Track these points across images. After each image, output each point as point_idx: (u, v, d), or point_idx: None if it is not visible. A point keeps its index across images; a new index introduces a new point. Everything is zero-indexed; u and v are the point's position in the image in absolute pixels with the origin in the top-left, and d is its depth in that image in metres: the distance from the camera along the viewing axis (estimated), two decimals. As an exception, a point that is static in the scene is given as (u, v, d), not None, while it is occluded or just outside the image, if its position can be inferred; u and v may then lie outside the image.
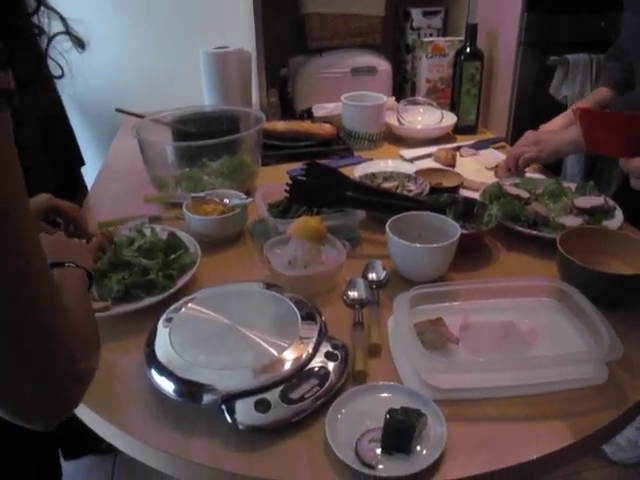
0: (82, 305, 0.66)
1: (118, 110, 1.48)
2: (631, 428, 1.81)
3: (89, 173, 1.72)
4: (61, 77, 0.67)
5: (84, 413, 0.81)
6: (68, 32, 0.62)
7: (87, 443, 1.86)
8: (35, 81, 0.55)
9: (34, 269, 0.49)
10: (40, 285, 0.50)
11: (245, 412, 0.74)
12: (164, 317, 0.90)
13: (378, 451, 0.71)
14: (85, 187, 1.74)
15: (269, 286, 0.98)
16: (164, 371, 0.80)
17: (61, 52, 0.63)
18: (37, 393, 0.50)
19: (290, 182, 1.16)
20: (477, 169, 1.55)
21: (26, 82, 0.51)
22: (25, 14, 0.53)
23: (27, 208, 0.49)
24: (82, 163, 1.81)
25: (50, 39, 0.59)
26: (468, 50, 1.74)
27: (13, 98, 0.47)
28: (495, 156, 1.61)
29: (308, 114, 1.83)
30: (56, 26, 0.58)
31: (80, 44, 0.65)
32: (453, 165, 1.55)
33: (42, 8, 0.55)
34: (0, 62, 0.45)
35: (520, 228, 1.18)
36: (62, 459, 1.78)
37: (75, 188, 1.73)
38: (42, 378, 0.50)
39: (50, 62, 0.62)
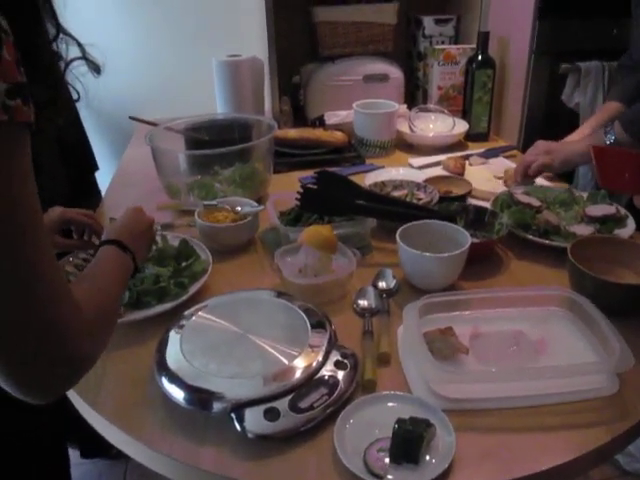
0: (109, 294, 0.70)
1: (132, 118, 1.49)
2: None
3: (102, 180, 1.74)
4: (77, 101, 0.69)
5: (94, 419, 0.82)
6: (85, 57, 0.64)
7: (102, 444, 1.88)
8: (54, 104, 0.57)
9: (45, 278, 0.52)
10: (50, 289, 0.52)
11: (254, 421, 0.75)
12: (175, 325, 0.91)
13: (387, 461, 0.71)
14: (99, 192, 1.76)
15: (279, 294, 0.98)
16: (174, 378, 0.80)
17: (77, 76, 0.65)
18: (35, 365, 0.52)
19: (301, 190, 1.16)
20: (486, 178, 1.54)
21: (44, 105, 0.53)
22: (45, 42, 0.55)
23: (40, 221, 0.52)
24: (96, 168, 1.83)
25: (67, 64, 0.61)
26: (480, 58, 1.74)
27: (32, 127, 0.51)
28: (505, 165, 1.61)
29: (320, 122, 1.84)
30: (73, 51, 0.60)
31: (96, 69, 0.67)
32: (462, 174, 1.55)
33: (60, 35, 0.57)
34: (24, 95, 0.48)
35: (531, 237, 1.17)
36: (79, 457, 1.81)
37: (90, 192, 1.75)
38: (42, 356, 0.52)
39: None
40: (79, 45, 0.60)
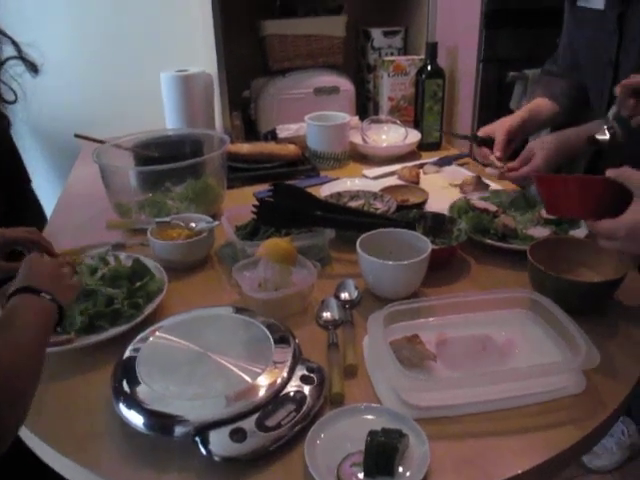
0: (29, 347, 0.63)
1: (77, 136, 1.44)
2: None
3: (48, 200, 1.67)
4: (14, 102, 0.64)
5: (45, 453, 0.77)
6: (21, 57, 0.60)
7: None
8: None
9: None
10: None
11: (220, 443, 0.71)
12: (131, 347, 0.86)
13: (361, 475, 0.68)
14: (38, 203, 1.68)
15: (240, 310, 0.95)
16: (132, 404, 0.76)
17: (14, 77, 0.61)
18: None
19: (257, 203, 1.14)
20: (441, 185, 1.55)
21: None
22: None
23: None
24: (28, 180, 1.75)
25: (1, 64, 0.57)
26: (429, 68, 1.76)
27: None
28: (459, 172, 1.62)
29: (272, 135, 1.82)
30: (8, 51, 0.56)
31: (34, 69, 0.63)
32: (417, 182, 1.55)
33: None
34: None
35: (490, 241, 1.18)
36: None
37: (25, 205, 1.67)
38: None
39: (2, 87, 0.59)
40: (14, 44, 0.56)
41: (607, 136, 1.16)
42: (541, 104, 1.43)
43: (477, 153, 1.44)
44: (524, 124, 1.38)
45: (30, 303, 0.74)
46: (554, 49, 1.47)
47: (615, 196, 0.86)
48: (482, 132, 1.40)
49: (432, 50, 1.75)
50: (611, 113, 1.15)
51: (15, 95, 0.61)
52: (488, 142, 1.37)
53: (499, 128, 1.36)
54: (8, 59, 0.57)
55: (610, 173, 0.88)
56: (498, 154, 1.34)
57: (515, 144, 1.39)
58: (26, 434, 0.79)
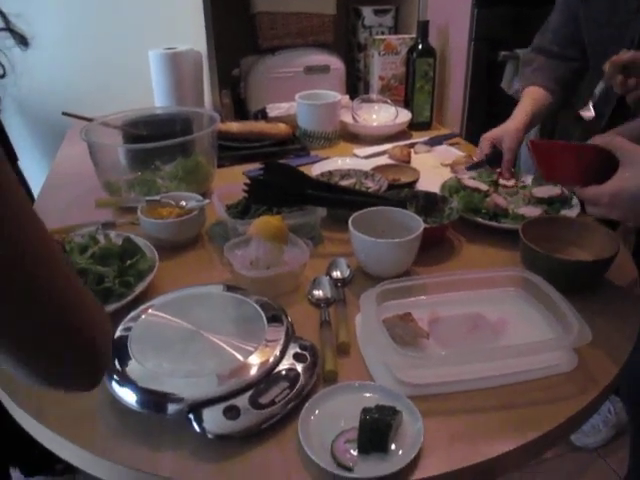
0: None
1: (65, 114, 1.41)
2: (593, 412, 1.85)
3: (36, 179, 1.64)
4: (3, 76, 0.62)
5: (39, 432, 0.76)
6: (9, 28, 0.58)
7: (43, 460, 1.78)
8: None
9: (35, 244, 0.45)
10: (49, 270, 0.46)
11: (214, 420, 0.71)
12: (122, 326, 0.86)
13: (354, 452, 0.69)
14: (26, 183, 1.66)
15: (232, 288, 0.95)
16: (125, 382, 0.76)
17: (2, 50, 0.59)
18: (74, 359, 0.50)
19: (249, 181, 1.13)
20: (433, 165, 1.55)
21: None
22: None
23: (16, 181, 0.44)
24: (15, 158, 1.73)
25: None
26: (420, 47, 1.75)
27: None
28: (449, 152, 1.62)
29: (262, 114, 1.80)
30: None
31: (23, 41, 0.61)
32: (408, 162, 1.55)
33: None
34: None
35: (481, 220, 1.18)
36: (20, 476, 1.71)
37: None
38: (77, 345, 0.49)
39: None
40: (2, 15, 0.54)
41: (592, 112, 1.15)
42: (538, 98, 1.39)
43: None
44: (526, 129, 1.35)
45: None
46: (542, 23, 1.45)
47: (603, 163, 0.87)
48: (487, 139, 1.36)
49: (423, 29, 1.73)
50: (598, 89, 1.15)
51: (4, 69, 0.59)
52: (499, 158, 1.34)
53: (506, 139, 1.32)
54: None
55: (597, 140, 0.89)
56: (507, 176, 1.33)
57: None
58: (19, 413, 0.78)
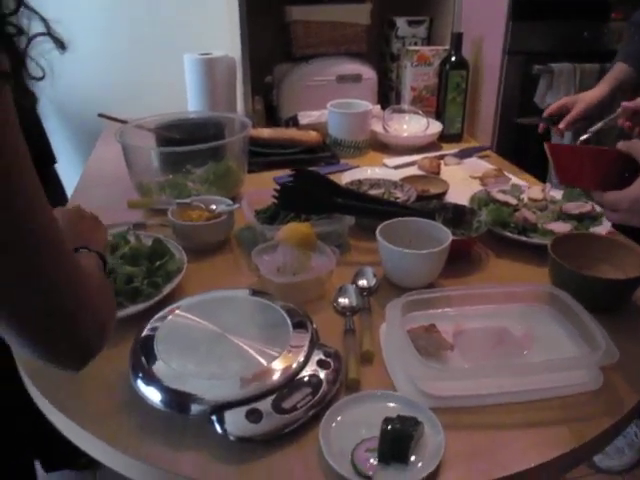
0: (99, 277, 0.71)
1: (101, 115, 1.45)
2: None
3: (69, 180, 1.68)
4: (42, 79, 0.64)
5: (65, 426, 0.78)
6: (49, 33, 0.60)
7: (67, 455, 1.81)
8: (16, 80, 0.53)
9: (46, 227, 0.52)
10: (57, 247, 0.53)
11: (236, 422, 0.72)
12: (149, 325, 0.87)
13: (375, 461, 0.69)
14: (61, 185, 1.70)
15: (258, 293, 0.95)
16: (150, 381, 0.77)
17: (42, 54, 0.61)
18: (63, 340, 0.55)
19: (278, 188, 1.14)
20: (462, 178, 1.54)
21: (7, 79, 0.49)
22: (2, 14, 0.52)
23: (31, 167, 0.51)
24: (54, 161, 1.77)
25: (30, 40, 0.57)
26: (453, 59, 1.75)
27: (8, 80, 0.49)
28: (479, 165, 1.61)
29: (293, 122, 1.82)
30: (37, 27, 0.57)
31: (61, 45, 0.63)
32: (438, 173, 1.54)
33: (22, 9, 0.53)
34: None
35: (509, 234, 1.17)
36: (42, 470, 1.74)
37: (47, 187, 1.69)
38: (68, 328, 0.55)
39: (30, 64, 0.60)
40: (43, 20, 0.56)
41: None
42: (618, 76, 1.39)
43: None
44: (604, 100, 1.34)
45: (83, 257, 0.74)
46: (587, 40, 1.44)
47: (623, 168, 0.86)
48: (557, 104, 1.37)
49: (457, 41, 1.73)
50: (594, 128, 1.16)
51: (43, 71, 0.61)
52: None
53: (579, 103, 1.33)
54: (36, 35, 0.56)
55: (621, 146, 0.88)
56: (561, 126, 1.30)
57: (585, 124, 1.36)
58: (46, 406, 0.80)
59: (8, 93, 0.49)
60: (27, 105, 0.56)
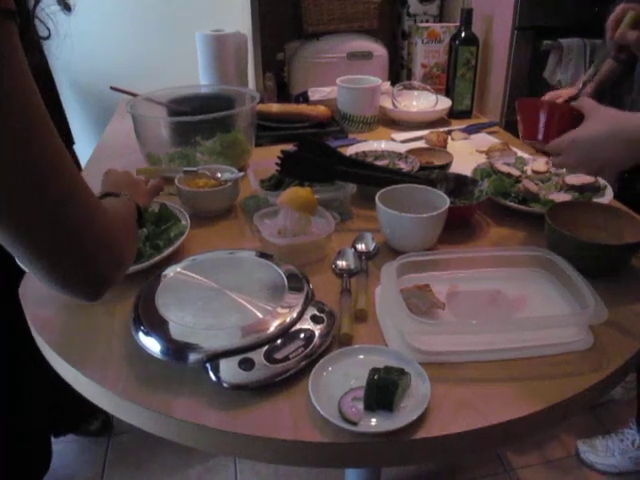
0: (125, 217, 0.77)
1: (113, 88, 1.48)
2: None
3: (83, 152, 1.72)
4: (48, 38, 0.67)
5: (68, 373, 0.81)
6: None
7: (76, 419, 1.85)
8: (23, 38, 0.56)
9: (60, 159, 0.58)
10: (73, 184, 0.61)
11: (229, 370, 0.75)
12: (152, 281, 0.90)
13: (361, 408, 0.71)
14: (79, 166, 1.74)
15: (260, 254, 0.98)
16: (150, 332, 0.80)
17: (49, 15, 0.63)
18: (79, 270, 0.60)
19: (281, 155, 1.16)
20: (468, 152, 1.55)
21: None
22: None
23: (40, 103, 0.54)
24: (72, 142, 1.81)
25: (37, 1, 0.60)
26: (463, 35, 1.75)
27: (16, 19, 0.51)
28: (486, 140, 1.62)
29: (304, 98, 1.83)
30: None
31: (67, 7, 0.66)
32: (444, 147, 1.55)
33: None
34: None
35: (510, 203, 1.18)
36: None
37: None
38: (85, 260, 0.59)
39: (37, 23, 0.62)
40: None
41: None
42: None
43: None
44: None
45: (113, 200, 0.83)
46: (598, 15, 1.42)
47: (574, 122, 0.93)
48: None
49: (467, 16, 1.73)
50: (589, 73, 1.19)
51: (49, 31, 0.64)
52: None
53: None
54: None
55: (573, 103, 0.97)
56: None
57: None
58: (53, 357, 0.84)
59: (14, 29, 0.51)
60: (34, 62, 0.59)
